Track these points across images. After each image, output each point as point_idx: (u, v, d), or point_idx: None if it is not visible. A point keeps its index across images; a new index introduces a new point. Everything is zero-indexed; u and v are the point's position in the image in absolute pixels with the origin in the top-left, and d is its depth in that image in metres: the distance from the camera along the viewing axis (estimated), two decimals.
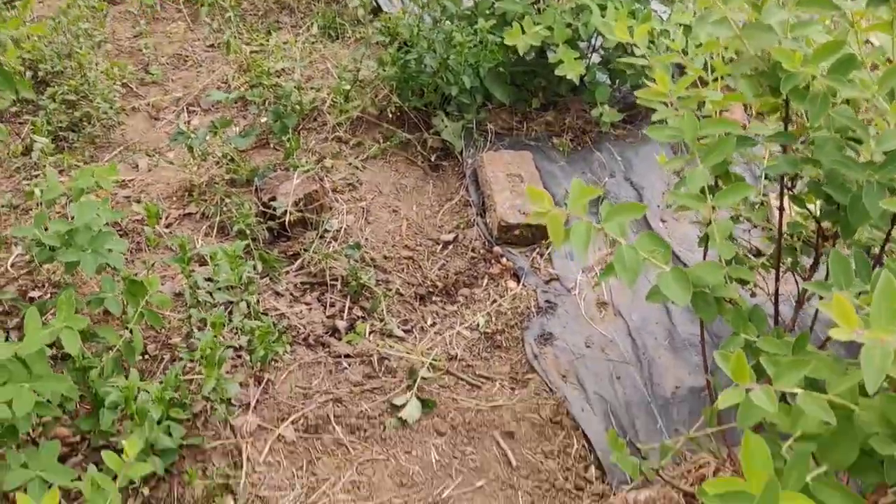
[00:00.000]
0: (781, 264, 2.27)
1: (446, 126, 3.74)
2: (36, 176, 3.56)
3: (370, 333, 2.93)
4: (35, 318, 2.00)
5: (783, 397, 1.95)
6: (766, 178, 3.04)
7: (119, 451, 2.49)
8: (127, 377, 2.33)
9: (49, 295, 3.04)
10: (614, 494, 2.31)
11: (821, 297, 2.37)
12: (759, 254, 2.98)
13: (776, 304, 2.29)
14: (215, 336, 2.34)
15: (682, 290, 1.60)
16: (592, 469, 2.43)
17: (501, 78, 3.81)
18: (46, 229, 2.36)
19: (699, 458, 2.49)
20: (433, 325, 2.99)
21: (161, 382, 2.32)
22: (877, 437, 1.31)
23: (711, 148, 1.76)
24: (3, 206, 3.35)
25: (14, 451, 2.05)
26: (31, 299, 2.99)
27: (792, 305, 2.60)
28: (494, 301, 3.06)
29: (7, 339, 2.89)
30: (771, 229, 2.39)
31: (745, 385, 1.31)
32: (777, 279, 2.20)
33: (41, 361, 1.95)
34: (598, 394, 2.67)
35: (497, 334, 2.92)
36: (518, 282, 3.13)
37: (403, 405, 2.63)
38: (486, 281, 3.16)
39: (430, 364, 2.78)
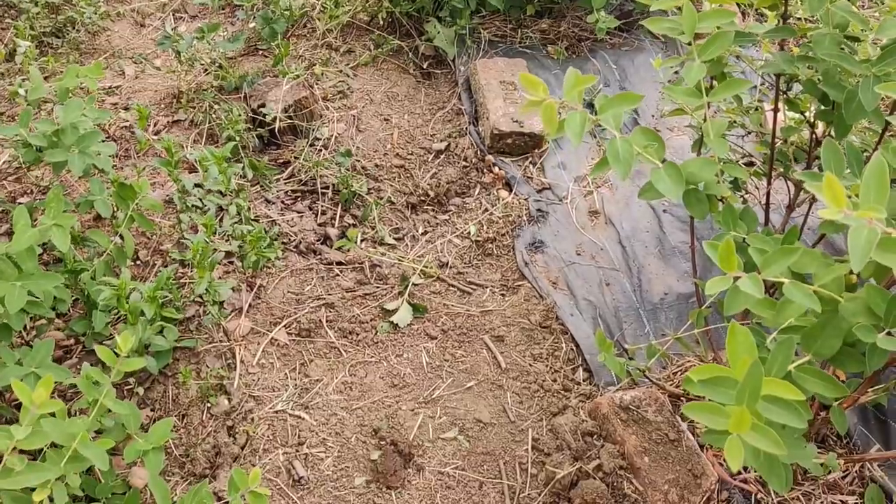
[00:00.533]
0: (773, 170, 2.26)
1: (439, 32, 3.66)
2: (20, 80, 3.49)
3: (362, 241, 2.93)
4: (24, 217, 1.98)
5: (770, 292, 1.97)
6: (761, 86, 3.00)
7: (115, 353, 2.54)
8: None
9: (38, 200, 3.02)
10: (601, 395, 2.36)
11: (813, 199, 2.38)
12: (751, 164, 2.97)
13: (767, 208, 2.29)
14: (207, 238, 2.33)
15: (675, 184, 1.60)
16: (580, 371, 2.48)
17: None
18: (32, 131, 2.32)
19: (685, 361, 2.53)
20: (425, 233, 2.99)
21: (153, 283, 2.33)
22: (860, 326, 1.33)
23: (709, 41, 1.73)
24: None
25: (8, 350, 2.06)
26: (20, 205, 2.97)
27: (782, 214, 2.60)
28: (486, 210, 3.05)
29: None
30: (764, 134, 2.37)
31: (733, 273, 1.32)
32: (769, 182, 2.20)
33: (31, 260, 1.94)
34: (587, 300, 2.70)
35: (488, 242, 2.92)
36: (510, 191, 3.12)
37: (395, 310, 2.66)
38: (477, 190, 3.15)
39: (422, 271, 2.79)
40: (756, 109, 2.45)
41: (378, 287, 2.77)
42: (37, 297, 2.03)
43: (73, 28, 3.81)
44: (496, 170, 3.19)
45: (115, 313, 2.54)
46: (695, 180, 1.70)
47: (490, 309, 2.68)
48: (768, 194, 2.23)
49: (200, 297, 2.60)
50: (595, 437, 2.24)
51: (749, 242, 1.54)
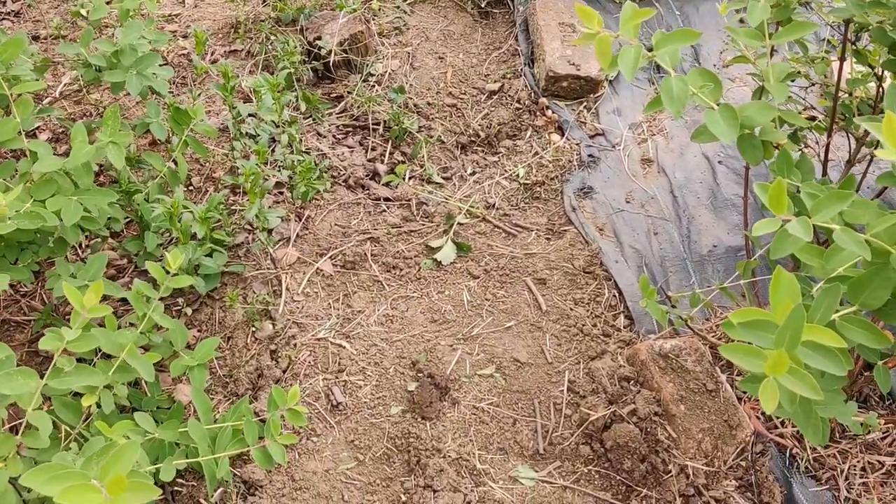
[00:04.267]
0: (835, 123, 2.19)
1: None
2: (79, 3, 3.54)
3: (410, 178, 2.94)
4: (82, 133, 2.03)
5: (818, 241, 1.92)
6: (830, 37, 2.89)
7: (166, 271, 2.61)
8: None
9: (96, 121, 3.08)
10: (641, 342, 2.35)
11: (873, 158, 2.30)
12: (812, 119, 2.88)
13: (825, 162, 2.23)
14: (258, 164, 2.36)
15: (730, 127, 1.56)
16: (622, 318, 2.47)
17: None
18: (92, 51, 2.36)
19: (729, 313, 2.51)
20: (473, 174, 2.98)
21: (205, 205, 2.38)
22: None
23: None
24: (51, 35, 3.35)
25: (63, 262, 2.13)
26: None
27: (841, 171, 2.53)
28: (536, 153, 3.02)
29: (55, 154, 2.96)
30: (829, 86, 2.29)
31: (782, 216, 1.29)
32: (829, 135, 2.13)
33: (88, 176, 2.00)
34: (633, 247, 2.67)
35: (536, 186, 2.90)
36: (562, 135, 3.08)
37: (439, 248, 2.67)
38: (529, 133, 3.12)
39: (468, 210, 2.79)
40: (822, 60, 2.36)
41: (423, 224, 2.78)
42: (92, 214, 2.09)
43: None
44: (549, 113, 3.15)
45: (166, 235, 2.61)
46: (751, 124, 1.65)
47: (534, 252, 2.67)
48: (827, 147, 2.17)
49: (250, 223, 2.65)
50: (632, 382, 2.24)
51: (803, 190, 1.50)
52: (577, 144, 3.03)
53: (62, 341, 1.42)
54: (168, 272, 1.87)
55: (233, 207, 2.72)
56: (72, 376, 1.43)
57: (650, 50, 1.65)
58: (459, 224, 2.75)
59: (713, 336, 2.42)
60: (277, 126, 2.71)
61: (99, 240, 2.57)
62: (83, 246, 2.67)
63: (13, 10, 3.70)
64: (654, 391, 2.19)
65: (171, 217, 2.17)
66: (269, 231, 2.60)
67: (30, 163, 2.04)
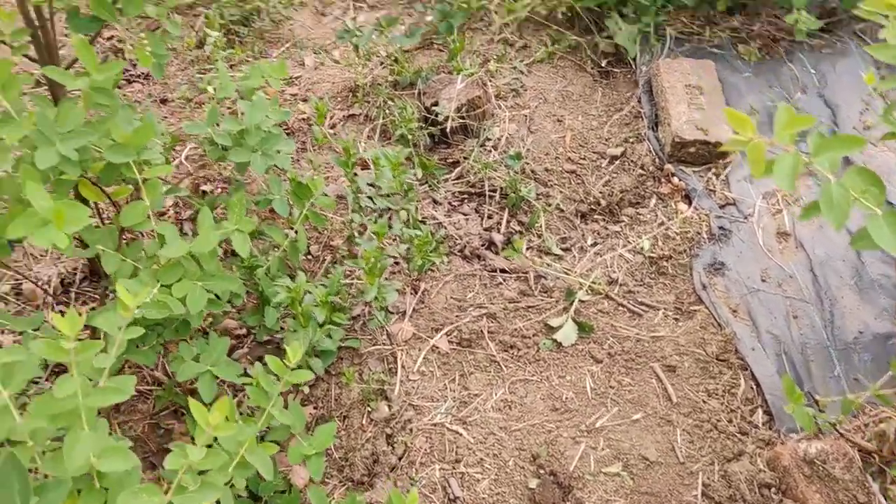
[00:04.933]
0: None
1: (620, 29, 3.48)
2: (209, 69, 3.64)
3: (527, 249, 2.84)
4: (208, 218, 2.04)
5: None
6: None
7: (282, 348, 2.60)
8: (292, 277, 2.38)
9: (220, 189, 3.14)
10: (782, 443, 2.17)
11: None
12: None
13: None
14: (379, 245, 2.32)
15: None
16: (759, 413, 2.28)
17: None
18: (218, 126, 2.39)
19: (879, 413, 2.29)
20: (594, 244, 2.87)
21: (325, 286, 2.35)
22: None
23: None
24: (178, 99, 3.45)
25: (187, 344, 2.14)
26: (204, 193, 3.10)
27: None
28: (662, 223, 2.88)
29: (181, 231, 3.03)
30: None
31: None
32: None
33: (213, 260, 2.00)
34: (770, 332, 2.48)
35: (663, 260, 2.75)
36: (689, 204, 2.93)
37: (559, 327, 2.56)
38: (654, 201, 2.98)
39: (589, 286, 2.67)
40: None
41: (542, 300, 2.67)
42: (216, 296, 2.09)
43: (259, 17, 3.93)
44: (675, 180, 3.00)
45: (286, 308, 2.60)
46: None
47: (662, 334, 2.52)
48: None
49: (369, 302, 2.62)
50: (773, 490, 2.06)
51: None
52: (707, 215, 2.87)
53: (187, 459, 1.39)
54: (287, 366, 1.84)
55: (350, 280, 2.69)
56: (197, 493, 1.40)
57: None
58: (580, 301, 2.63)
59: (861, 437, 2.21)
60: (394, 195, 2.67)
61: (220, 313, 2.59)
62: (204, 318, 2.70)
63: (143, 73, 3.85)
64: (799, 502, 2.00)
65: (293, 301, 2.15)
66: (387, 308, 2.56)
67: (157, 245, 2.06)
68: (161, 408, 2.44)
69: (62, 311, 2.77)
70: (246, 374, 2.57)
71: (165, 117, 3.53)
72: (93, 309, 2.79)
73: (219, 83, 2.42)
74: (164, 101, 3.63)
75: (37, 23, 2.21)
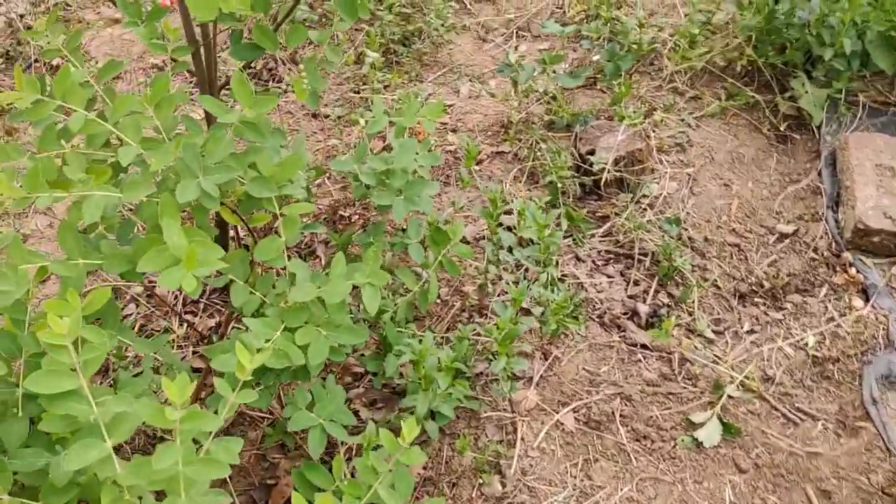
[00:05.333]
0: None
1: (806, 92, 3.15)
2: (364, 88, 3.58)
3: (675, 326, 2.59)
4: (341, 264, 1.93)
5: None
6: None
7: (397, 391, 2.47)
8: (418, 319, 2.25)
9: (357, 215, 3.06)
10: None
11: None
12: None
13: None
14: (514, 312, 2.15)
15: None
16: None
17: (890, 44, 3.10)
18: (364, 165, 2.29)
19: None
20: (750, 332, 2.58)
21: (452, 349, 2.21)
22: None
23: None
24: (328, 118, 3.42)
25: (303, 389, 2.04)
26: (342, 217, 3.03)
27: None
28: (832, 319, 2.56)
29: (314, 254, 2.96)
30: None
31: None
32: None
33: (342, 313, 1.88)
34: None
35: (829, 362, 2.44)
36: (866, 301, 2.59)
37: (701, 424, 2.30)
38: (824, 291, 2.65)
39: (741, 381, 2.40)
40: None
41: (685, 388, 2.42)
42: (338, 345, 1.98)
43: (419, 38, 3.84)
44: (852, 271, 2.67)
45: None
46: None
47: (819, 451, 2.22)
48: None
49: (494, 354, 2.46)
50: None
51: None
52: (885, 317, 2.52)
53: None
54: (401, 445, 1.69)
55: (476, 335, 2.53)
56: None
57: None
58: (729, 397, 2.36)
59: None
60: (538, 262, 2.49)
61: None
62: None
63: (290, 85, 3.83)
64: None
65: (417, 364, 2.01)
66: (513, 376, 2.38)
67: (287, 283, 1.97)
68: (268, 437, 2.36)
69: (188, 322, 2.76)
70: (358, 417, 2.48)
71: (315, 133, 3.50)
72: (216, 327, 2.77)
73: (372, 117, 2.32)
74: (314, 116, 3.60)
75: (200, 40, 2.18)
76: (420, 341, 2.13)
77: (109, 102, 1.98)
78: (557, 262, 2.73)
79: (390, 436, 1.70)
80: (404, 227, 2.45)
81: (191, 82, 3.83)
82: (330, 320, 1.90)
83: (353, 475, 2.04)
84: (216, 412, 1.48)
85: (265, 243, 1.93)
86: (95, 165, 1.84)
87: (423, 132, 2.94)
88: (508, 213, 2.90)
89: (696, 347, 2.52)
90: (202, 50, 2.19)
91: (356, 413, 2.45)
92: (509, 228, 2.82)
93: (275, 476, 2.35)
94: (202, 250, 1.62)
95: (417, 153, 2.25)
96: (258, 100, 1.79)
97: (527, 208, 2.42)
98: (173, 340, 2.75)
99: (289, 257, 1.94)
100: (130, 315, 2.89)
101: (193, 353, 2.72)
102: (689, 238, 2.84)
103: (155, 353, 2.11)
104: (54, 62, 3.93)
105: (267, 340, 1.82)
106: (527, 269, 2.70)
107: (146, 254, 1.61)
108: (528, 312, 2.58)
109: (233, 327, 2.48)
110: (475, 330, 2.46)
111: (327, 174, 3.21)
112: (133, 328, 2.83)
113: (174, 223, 1.62)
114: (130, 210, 2.65)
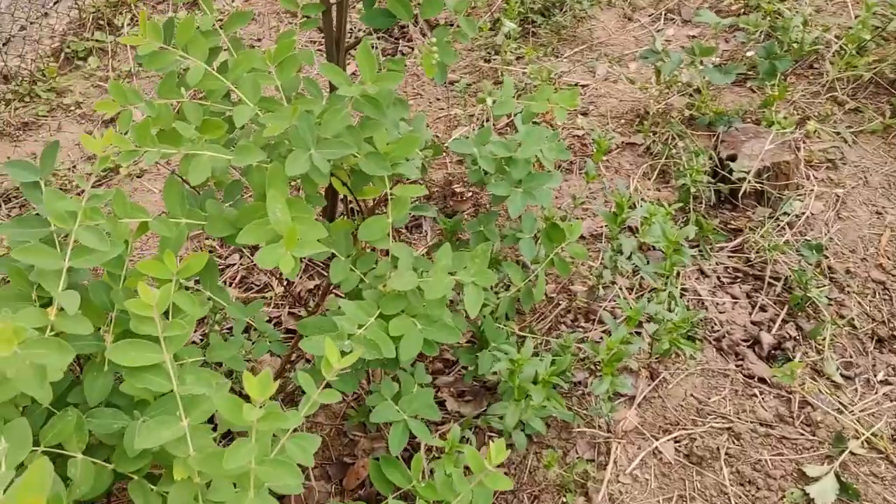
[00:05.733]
0: None
1: None
2: (494, 58, 3.42)
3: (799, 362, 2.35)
4: (446, 256, 1.80)
5: None
6: None
7: (487, 386, 2.36)
8: (520, 312, 2.11)
9: (470, 192, 2.93)
10: None
11: None
12: None
13: None
14: (626, 334, 1.98)
15: None
16: None
17: None
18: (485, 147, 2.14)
19: None
20: (885, 382, 2.31)
21: (552, 354, 2.06)
22: None
23: None
24: (455, 84, 3.28)
25: (388, 380, 1.95)
26: (454, 193, 2.91)
27: None
28: None
29: (411, 232, 2.85)
30: None
31: None
32: None
33: (440, 308, 1.76)
34: None
35: None
36: None
37: (816, 478, 2.08)
38: None
39: (867, 438, 2.15)
40: None
41: (802, 434, 2.19)
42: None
43: (560, 11, 3.63)
44: None
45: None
46: None
47: None
48: None
49: (596, 365, 2.30)
50: None
51: None
52: None
53: None
54: (487, 467, 1.57)
55: (580, 343, 2.37)
56: None
57: None
58: (851, 454, 2.12)
59: None
60: (659, 277, 2.30)
61: None
62: None
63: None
64: None
65: (512, 374, 1.88)
66: (615, 394, 2.22)
67: (388, 266, 1.86)
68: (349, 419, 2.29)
69: (285, 294, 2.71)
70: (443, 408, 2.38)
71: (438, 99, 3.37)
72: (314, 289, 2.72)
73: (500, 98, 2.16)
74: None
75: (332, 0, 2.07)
76: (519, 345, 1.99)
77: (234, 53, 1.91)
78: (679, 274, 2.52)
79: (476, 455, 1.57)
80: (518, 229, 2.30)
81: (314, 41, 3.76)
82: (427, 313, 1.78)
83: (432, 472, 1.94)
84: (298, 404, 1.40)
85: (371, 222, 1.83)
86: (211, 119, 1.77)
87: (554, 120, 2.76)
88: (632, 207, 2.71)
89: (820, 391, 2.28)
90: (333, 9, 2.08)
91: (442, 403, 2.36)
92: (631, 229, 2.63)
93: (353, 455, 2.28)
94: (304, 228, 1.53)
95: (545, 148, 2.07)
96: (382, 75, 1.67)
97: (656, 215, 2.22)
98: (270, 298, 2.72)
99: (394, 237, 1.83)
100: (234, 265, 2.88)
101: (290, 313, 2.69)
102: (829, 268, 2.56)
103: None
104: None
105: (360, 326, 1.73)
106: (642, 277, 2.51)
107: (247, 226, 1.53)
108: (639, 325, 2.40)
109: (331, 294, 2.42)
110: (580, 338, 2.30)
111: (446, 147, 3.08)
112: (234, 281, 2.82)
113: (280, 196, 1.53)
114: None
